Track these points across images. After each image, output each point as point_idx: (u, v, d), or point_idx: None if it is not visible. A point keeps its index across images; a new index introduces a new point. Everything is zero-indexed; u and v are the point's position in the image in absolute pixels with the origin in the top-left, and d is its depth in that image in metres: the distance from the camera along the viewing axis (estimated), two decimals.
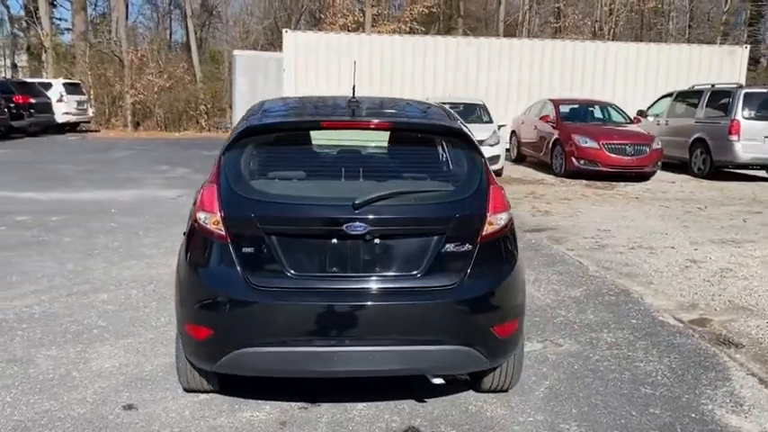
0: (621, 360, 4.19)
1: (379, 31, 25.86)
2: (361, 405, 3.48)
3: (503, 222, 3.22)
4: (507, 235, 3.26)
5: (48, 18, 30.72)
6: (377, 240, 3.03)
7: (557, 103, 14.46)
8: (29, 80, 24.14)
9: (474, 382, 3.60)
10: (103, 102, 28.26)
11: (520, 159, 15.92)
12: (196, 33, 33.33)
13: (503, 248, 3.23)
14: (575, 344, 4.45)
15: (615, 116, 14.72)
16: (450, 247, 3.07)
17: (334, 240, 3.01)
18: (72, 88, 23.96)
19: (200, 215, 3.08)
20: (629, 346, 4.41)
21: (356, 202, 2.97)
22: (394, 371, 3.16)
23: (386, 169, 3.43)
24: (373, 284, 3.02)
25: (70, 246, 6.79)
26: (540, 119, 14.44)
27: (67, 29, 36.70)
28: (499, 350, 3.25)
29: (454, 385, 3.65)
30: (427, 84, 18.54)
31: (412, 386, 3.55)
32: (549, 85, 18.55)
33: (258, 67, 21.63)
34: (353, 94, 3.57)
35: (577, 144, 12.83)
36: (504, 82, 18.78)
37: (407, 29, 28.71)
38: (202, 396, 3.54)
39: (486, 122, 13.67)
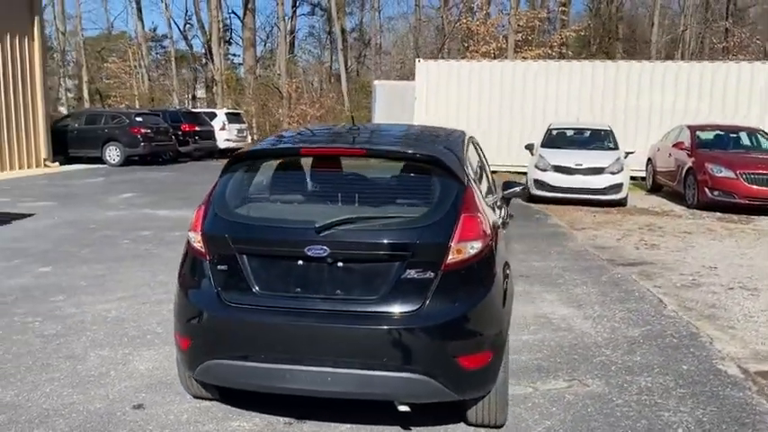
0: (645, 407, 3.87)
1: (523, 57, 25.62)
2: (345, 426, 3.56)
3: (474, 251, 3.17)
4: (480, 263, 3.20)
5: (219, 55, 33.95)
6: (340, 264, 3.13)
7: (693, 129, 13.43)
8: (196, 110, 26.78)
9: (462, 415, 3.54)
10: (265, 129, 30.61)
11: (655, 189, 14.92)
12: (348, 65, 35.15)
13: (472, 277, 3.17)
14: (603, 386, 4.18)
15: (766, 144, 13.36)
16: (411, 273, 3.09)
17: (300, 262, 3.15)
18: (233, 117, 26.22)
19: (190, 234, 3.38)
20: (663, 394, 4.06)
21: (317, 225, 3.10)
22: (350, 394, 3.21)
23: (360, 195, 3.51)
24: (333, 306, 3.12)
25: (171, 260, 7.49)
26: (675, 146, 13.48)
27: (240, 64, 40.33)
28: (467, 383, 3.18)
29: (446, 416, 3.60)
30: (560, 109, 18.04)
31: (401, 413, 3.56)
32: (696, 111, 17.26)
33: (396, 96, 22.25)
34: (353, 122, 3.71)
35: (711, 173, 11.81)
36: (645, 107, 17.76)
37: (554, 54, 28.14)
38: (205, 403, 3.81)
39: (610, 149, 13.04)
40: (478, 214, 3.26)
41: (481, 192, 3.71)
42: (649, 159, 15.36)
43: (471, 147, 4.48)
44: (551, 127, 14.32)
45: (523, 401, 3.93)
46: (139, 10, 39.70)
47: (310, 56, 41.43)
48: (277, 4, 33.77)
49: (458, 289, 3.13)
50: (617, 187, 12.13)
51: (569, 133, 14.22)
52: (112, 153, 19.78)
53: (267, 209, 3.43)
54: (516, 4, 29.09)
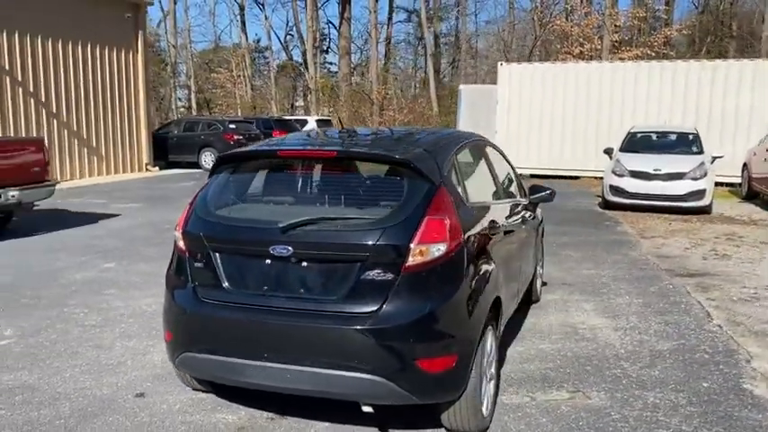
0: (643, 424, 3.66)
1: (620, 58, 24.61)
2: (323, 424, 3.62)
3: (438, 253, 3.14)
4: (446, 266, 3.16)
5: (314, 64, 34.95)
6: (304, 263, 3.20)
7: None
8: (287, 118, 27.71)
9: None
10: None
11: (751, 196, 13.88)
12: (442, 70, 35.14)
13: (436, 280, 3.13)
14: (606, 399, 3.98)
15: None
16: (370, 274, 3.10)
17: (267, 261, 3.24)
18: (323, 124, 26.91)
19: (175, 233, 3.56)
20: (668, 411, 3.82)
21: (280, 225, 3.19)
22: (309, 392, 3.25)
23: (330, 196, 3.55)
24: (296, 305, 3.18)
25: None
26: None
27: (335, 72, 41.32)
28: (428, 386, 3.15)
29: (427, 419, 3.57)
30: (650, 111, 17.19)
31: (386, 415, 3.58)
32: None
33: (481, 100, 21.99)
34: (341, 125, 3.76)
35: None
36: (745, 108, 16.56)
37: (655, 54, 26.82)
38: (201, 395, 3.98)
39: (694, 153, 12.29)
40: (446, 217, 3.21)
41: (466, 195, 3.65)
42: (745, 164, 14.35)
43: (475, 151, 4.42)
44: (633, 130, 13.69)
45: (514, 411, 3.83)
46: (243, 23, 41.68)
47: (402, 62, 41.75)
48: (369, 12, 34.31)
49: (419, 291, 3.10)
50: (699, 194, 11.41)
51: (652, 137, 13.52)
52: (207, 158, 20.83)
53: (240, 209, 3.55)
54: (612, 4, 27.97)
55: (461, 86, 23.77)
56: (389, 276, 3.09)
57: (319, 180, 3.66)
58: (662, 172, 11.60)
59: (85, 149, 18.38)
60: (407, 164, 3.33)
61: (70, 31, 17.62)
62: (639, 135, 13.40)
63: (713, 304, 6.02)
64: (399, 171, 3.38)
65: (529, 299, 5.88)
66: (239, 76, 40.75)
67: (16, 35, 16.28)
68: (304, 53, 38.76)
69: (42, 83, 17.05)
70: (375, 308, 3.08)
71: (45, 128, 17.04)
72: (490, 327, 3.62)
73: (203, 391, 3.98)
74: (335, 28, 39.56)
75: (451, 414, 3.37)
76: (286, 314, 3.18)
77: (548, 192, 5.44)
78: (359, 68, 41.35)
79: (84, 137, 18.33)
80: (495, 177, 4.50)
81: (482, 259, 3.54)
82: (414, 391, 3.11)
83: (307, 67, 35.09)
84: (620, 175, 11.94)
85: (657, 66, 17.94)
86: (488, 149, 4.74)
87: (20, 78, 16.49)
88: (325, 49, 43.35)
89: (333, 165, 3.55)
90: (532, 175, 18.58)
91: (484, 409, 3.51)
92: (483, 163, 4.44)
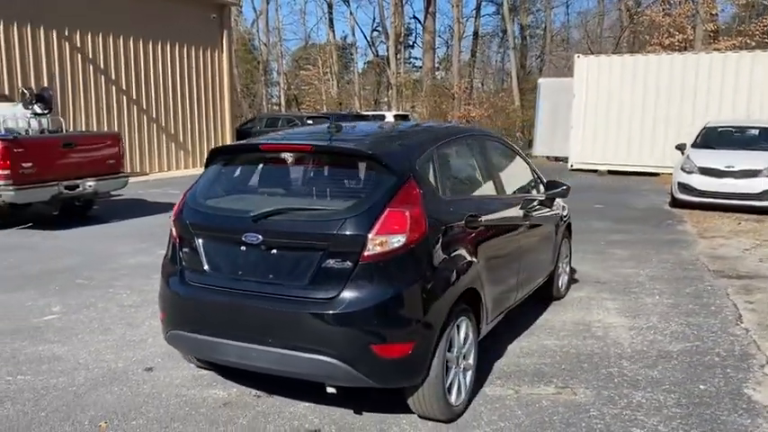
0: (618, 422, 3.62)
1: (715, 49, 23.31)
2: (304, 404, 3.82)
3: (397, 244, 3.25)
4: (405, 257, 3.27)
5: (396, 59, 35.23)
6: (273, 251, 3.40)
7: None
8: (365, 113, 28.14)
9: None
10: None
11: None
12: (528, 64, 34.49)
13: (394, 270, 3.25)
14: (591, 396, 3.96)
15: None
16: (330, 262, 3.26)
17: (243, 248, 3.47)
18: (401, 119, 27.17)
19: (171, 221, 3.86)
20: (651, 411, 3.75)
21: (251, 214, 3.41)
22: (273, 370, 3.45)
23: (304, 188, 3.73)
24: (264, 289, 3.39)
25: None
26: None
27: (419, 67, 41.47)
28: (385, 371, 3.28)
29: (404, 405, 3.67)
30: (738, 104, 16.26)
31: (367, 398, 3.75)
32: None
33: (560, 93, 21.49)
34: (330, 120, 3.94)
35: None
36: None
37: (755, 43, 25.21)
38: (202, 372, 4.28)
39: None
40: (409, 209, 3.32)
41: (444, 188, 3.74)
42: None
43: (471, 146, 4.47)
44: (709, 125, 13.03)
45: (493, 402, 3.88)
46: (331, 20, 42.57)
47: (487, 56, 41.24)
48: (452, 6, 34.19)
49: (376, 280, 3.23)
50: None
51: (729, 132, 12.79)
52: None
53: (223, 199, 3.79)
54: None
55: (540, 80, 23.35)
56: (348, 265, 3.24)
57: (296, 173, 3.85)
58: (735, 169, 11.00)
59: (173, 144, 19.51)
60: (375, 158, 3.47)
61: (159, 32, 18.73)
62: (716, 130, 12.73)
63: (750, 307, 5.75)
64: (369, 165, 3.51)
65: (550, 295, 5.85)
66: (326, 72, 41.69)
67: (111, 37, 17.51)
68: (388, 49, 39.15)
69: (134, 81, 18.24)
70: (334, 294, 3.24)
71: (136, 123, 18.25)
72: (464, 318, 3.69)
73: (205, 369, 4.28)
74: (420, 23, 39.71)
75: (416, 399, 3.48)
76: (256, 297, 3.40)
77: (564, 187, 5.40)
78: (444, 63, 41.28)
79: (172, 132, 19.46)
80: (491, 172, 4.51)
81: (454, 251, 3.61)
82: (371, 374, 3.25)
83: (389, 63, 35.43)
84: (689, 172, 11.42)
85: (748, 56, 16.91)
86: (490, 144, 4.77)
87: (113, 77, 17.72)
88: (410, 44, 43.58)
89: (309, 158, 3.74)
90: (610, 172, 18.04)
91: (453, 397, 3.60)
92: (479, 157, 4.48)
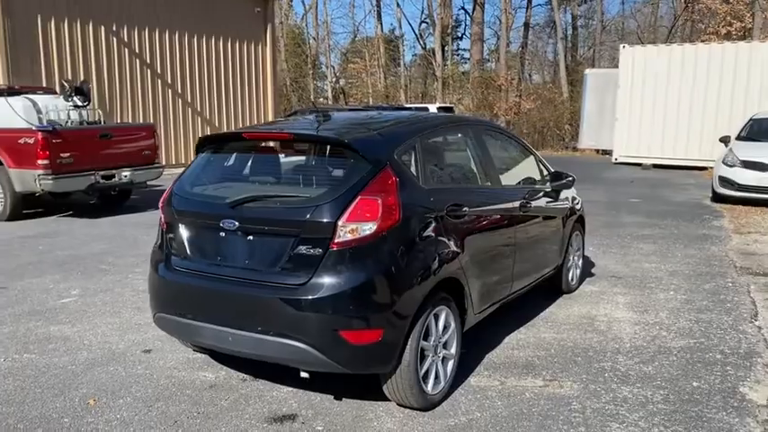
0: (598, 416, 3.55)
1: None
2: (286, 389, 3.89)
3: (368, 232, 3.27)
4: (375, 245, 3.28)
5: (441, 52, 35.01)
6: (249, 237, 3.47)
7: None
8: (407, 106, 28.03)
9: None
10: None
11: None
12: (575, 55, 33.74)
13: (363, 257, 3.26)
14: (577, 390, 3.89)
15: None
16: (302, 248, 3.30)
17: (222, 234, 3.54)
18: (444, 111, 27.00)
19: (159, 206, 3.97)
20: (635, 407, 3.66)
21: (227, 201, 3.48)
22: (247, 354, 3.52)
23: (282, 175, 3.77)
24: (240, 274, 3.46)
25: None
26: None
27: (468, 58, 41.07)
28: (355, 357, 3.30)
29: (382, 393, 3.70)
30: None
31: (352, 385, 3.78)
32: None
33: (608, 84, 20.97)
34: (316, 108, 3.98)
35: None
36: None
37: None
38: (197, 355, 4.39)
39: None
40: (381, 197, 3.32)
41: (425, 178, 3.73)
42: None
43: (463, 136, 4.44)
44: (756, 117, 12.50)
45: (476, 392, 3.86)
46: (379, 14, 42.52)
47: (535, 47, 40.46)
48: None
49: (345, 267, 3.25)
50: None
51: None
52: None
53: (207, 186, 3.86)
54: None
55: (587, 71, 22.84)
56: (318, 251, 3.28)
57: (277, 160, 3.90)
58: None
59: None
60: (351, 146, 3.48)
61: (204, 26, 19.15)
62: (763, 122, 12.21)
63: None
64: (345, 153, 3.54)
65: (559, 288, 5.76)
66: (373, 65, 41.76)
67: (156, 32, 17.99)
68: (434, 41, 38.87)
69: (179, 74, 18.71)
70: (304, 280, 3.28)
71: (180, 116, 18.72)
72: (443, 307, 3.68)
73: (199, 352, 4.39)
74: (469, 14, 39.30)
75: (389, 386, 3.50)
76: (233, 282, 3.47)
77: (568, 179, 5.30)
78: (493, 55, 40.73)
79: (216, 124, 19.87)
80: (485, 163, 4.45)
81: (433, 241, 3.60)
82: (340, 360, 3.29)
83: (434, 55, 35.24)
84: (731, 166, 11.00)
85: None
86: (488, 135, 4.71)
87: (159, 71, 18.22)
88: (459, 36, 43.18)
89: (289, 146, 3.79)
90: (655, 166, 17.54)
91: (429, 386, 3.60)
92: (473, 148, 4.43)
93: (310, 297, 3.25)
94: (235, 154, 3.98)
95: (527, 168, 5.19)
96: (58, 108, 10.56)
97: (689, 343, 4.66)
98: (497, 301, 4.46)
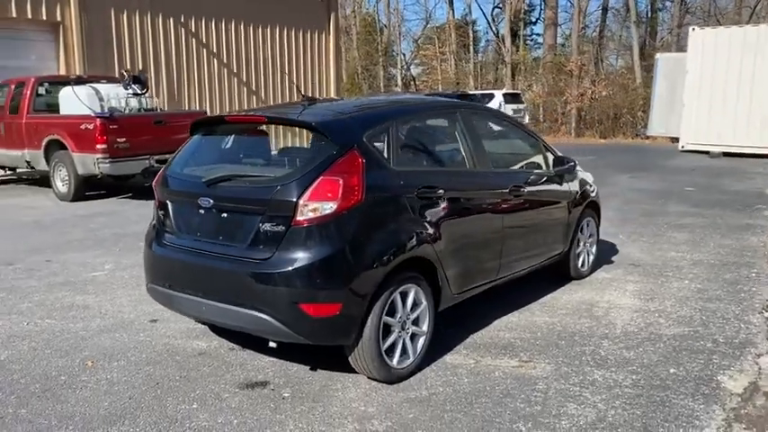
0: (559, 397, 3.59)
1: None
2: (268, 359, 4.11)
3: (328, 211, 3.42)
4: (335, 223, 3.42)
5: (510, 37, 34.43)
6: (223, 214, 3.69)
7: None
8: (471, 92, 27.80)
9: None
10: (555, 109, 30.11)
11: None
12: (654, 38, 32.40)
13: (323, 235, 3.41)
14: (549, 372, 3.92)
15: None
16: (267, 225, 3.49)
17: (201, 210, 3.79)
18: (511, 98, 26.61)
19: (153, 186, 4.27)
20: (600, 389, 3.67)
21: (202, 180, 3.72)
22: (218, 323, 3.80)
23: (259, 156, 3.97)
24: (215, 249, 3.70)
25: None
26: None
27: (540, 44, 40.20)
28: (315, 329, 3.47)
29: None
30: None
31: (330, 356, 3.93)
32: None
33: (680, 69, 20.09)
34: (301, 93, 4.16)
35: None
36: None
37: None
38: (198, 326, 4.67)
39: None
40: (343, 178, 3.46)
41: (397, 160, 3.84)
42: None
43: (445, 120, 4.51)
44: None
45: (446, 369, 3.96)
46: (451, 0, 42.22)
47: (610, 31, 39.04)
48: None
49: (306, 243, 3.42)
50: None
51: None
52: None
53: (193, 167, 4.11)
54: None
55: (658, 55, 21.97)
56: (281, 228, 3.46)
57: (254, 142, 4.09)
58: None
59: None
60: (318, 129, 3.65)
61: (269, 16, 19.69)
62: None
63: None
64: (315, 136, 3.71)
65: (567, 274, 5.73)
66: (444, 52, 41.57)
67: (223, 22, 18.67)
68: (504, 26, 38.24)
69: (244, 64, 19.36)
70: (268, 256, 3.48)
71: (245, 104, 19.37)
72: (412, 285, 3.79)
73: (200, 323, 4.69)
74: None
75: (353, 358, 3.67)
76: (208, 256, 3.72)
77: (570, 164, 5.26)
78: (569, 40, 39.65)
79: None
80: (472, 147, 4.44)
81: (399, 221, 3.71)
82: (301, 331, 3.47)
83: (503, 41, 34.70)
84: None
85: None
86: (478, 119, 4.72)
87: (225, 60, 18.91)
88: (533, 21, 42.29)
89: (264, 129, 3.99)
90: (725, 154, 16.74)
91: (394, 360, 3.73)
92: (460, 132, 4.44)
93: (272, 271, 3.45)
94: (219, 137, 4.22)
95: (527, 154, 5.18)
96: (119, 96, 11.23)
97: (683, 331, 4.57)
98: (482, 283, 4.51)
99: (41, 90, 11.62)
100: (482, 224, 4.43)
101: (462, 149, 4.45)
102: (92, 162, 10.21)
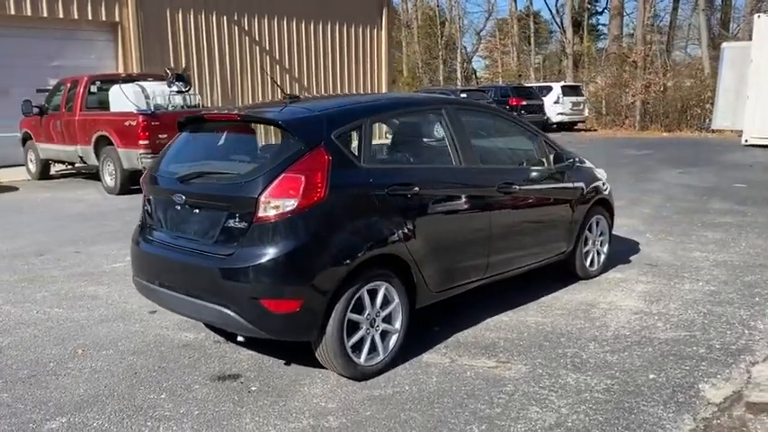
0: (523, 399, 3.51)
1: None
2: (247, 353, 4.20)
3: (289, 208, 3.46)
4: (296, 220, 3.45)
5: (571, 28, 33.52)
6: (195, 210, 3.79)
7: None
8: (529, 85, 27.26)
9: None
10: (619, 101, 29.10)
11: None
12: (727, 27, 30.90)
13: (284, 231, 3.45)
14: (524, 373, 3.85)
15: None
16: (231, 222, 3.56)
17: (177, 207, 3.90)
18: (570, 90, 25.98)
19: (141, 183, 4.41)
20: (569, 393, 3.57)
21: (176, 177, 3.82)
22: (189, 316, 3.88)
23: (231, 153, 4.03)
24: (187, 245, 3.80)
25: None
26: None
27: (605, 34, 39.01)
28: (275, 324, 3.52)
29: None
30: None
31: (303, 352, 3.96)
32: None
33: (747, 59, 19.08)
34: (287, 93, 4.21)
35: None
36: None
37: None
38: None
39: None
40: (306, 175, 3.49)
41: (368, 158, 3.83)
42: None
43: (428, 117, 4.46)
44: None
45: (420, 368, 3.94)
46: None
47: (680, 22, 37.45)
48: None
49: (266, 240, 3.47)
50: None
51: None
52: None
53: (173, 163, 4.21)
54: None
55: (724, 44, 20.92)
56: (244, 225, 3.53)
57: (230, 139, 4.15)
58: None
59: None
60: (285, 127, 3.69)
61: (321, 12, 19.93)
62: None
63: None
64: (282, 133, 3.75)
65: (574, 274, 5.58)
66: (506, 45, 40.92)
67: (275, 19, 19.02)
68: (570, 18, 37.29)
69: (296, 60, 19.68)
70: (231, 252, 3.55)
71: None
72: (382, 283, 3.78)
73: None
74: None
75: (319, 354, 3.70)
76: (182, 251, 3.83)
77: (570, 161, 5.11)
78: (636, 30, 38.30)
79: None
80: (458, 143, 4.37)
81: (367, 218, 3.70)
82: (263, 327, 3.53)
83: (565, 32, 33.84)
84: None
85: None
86: (466, 115, 4.61)
87: (277, 57, 19.27)
88: (599, 11, 41.11)
89: (238, 126, 4.06)
90: None
91: (362, 358, 3.74)
92: (445, 128, 4.37)
93: (234, 267, 3.52)
94: (201, 134, 4.33)
95: (526, 150, 5.07)
96: (164, 93, 11.63)
97: (679, 335, 4.38)
98: (467, 282, 4.45)
99: (93, 88, 12.17)
100: (465, 222, 4.36)
101: (447, 146, 4.40)
102: (135, 157, 10.63)
